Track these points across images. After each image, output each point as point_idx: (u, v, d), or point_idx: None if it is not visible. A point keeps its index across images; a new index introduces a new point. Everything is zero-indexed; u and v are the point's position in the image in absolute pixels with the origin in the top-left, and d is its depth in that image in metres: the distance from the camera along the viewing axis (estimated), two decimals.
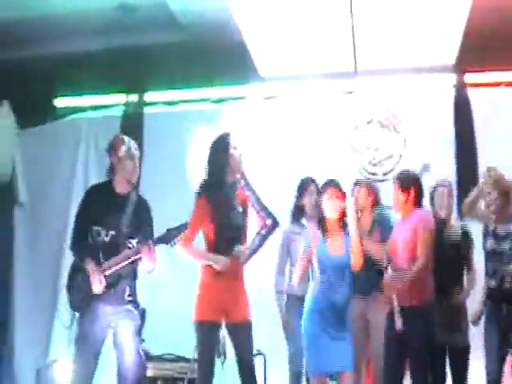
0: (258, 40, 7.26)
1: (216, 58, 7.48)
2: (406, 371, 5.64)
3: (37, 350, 8.04)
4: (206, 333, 5.12)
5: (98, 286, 5.28)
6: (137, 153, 5.62)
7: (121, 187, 5.54)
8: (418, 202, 5.78)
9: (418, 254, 5.54)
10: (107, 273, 5.32)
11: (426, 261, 5.54)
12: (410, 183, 5.75)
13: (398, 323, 5.53)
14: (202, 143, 7.53)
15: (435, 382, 5.78)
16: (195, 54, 7.43)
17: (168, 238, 5.29)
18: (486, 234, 5.79)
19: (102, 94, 8.48)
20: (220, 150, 5.31)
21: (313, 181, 6.44)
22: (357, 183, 6.33)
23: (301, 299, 5.98)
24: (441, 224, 5.98)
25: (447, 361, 5.93)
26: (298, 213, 6.53)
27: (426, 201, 6.02)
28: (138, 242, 5.42)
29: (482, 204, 5.79)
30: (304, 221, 6.45)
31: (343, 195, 5.56)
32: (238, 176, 5.50)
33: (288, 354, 6.33)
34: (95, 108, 8.51)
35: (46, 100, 8.57)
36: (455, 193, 6.53)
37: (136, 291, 5.57)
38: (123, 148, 5.51)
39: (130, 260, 5.35)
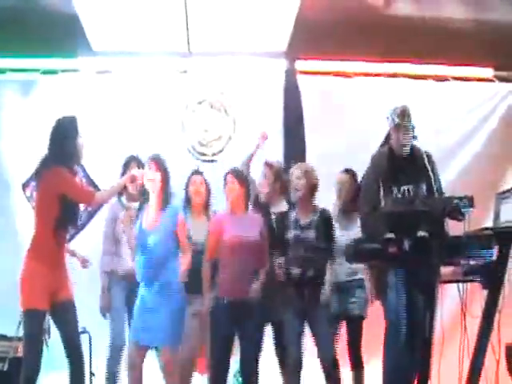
0: (91, 14, 7.11)
1: (48, 28, 7.26)
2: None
3: None
4: (34, 320, 5.06)
5: None
6: None
7: None
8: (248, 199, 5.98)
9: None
10: None
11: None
12: (245, 179, 5.92)
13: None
14: (29, 114, 7.48)
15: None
16: (27, 23, 7.20)
17: None
18: (286, 225, 5.95)
19: None
20: (69, 136, 5.26)
21: (135, 159, 6.34)
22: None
23: (127, 277, 6.02)
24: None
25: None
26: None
27: None
28: None
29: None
30: (124, 199, 6.39)
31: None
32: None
33: (110, 330, 6.26)
34: None
35: None
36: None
37: None
38: None
39: None
